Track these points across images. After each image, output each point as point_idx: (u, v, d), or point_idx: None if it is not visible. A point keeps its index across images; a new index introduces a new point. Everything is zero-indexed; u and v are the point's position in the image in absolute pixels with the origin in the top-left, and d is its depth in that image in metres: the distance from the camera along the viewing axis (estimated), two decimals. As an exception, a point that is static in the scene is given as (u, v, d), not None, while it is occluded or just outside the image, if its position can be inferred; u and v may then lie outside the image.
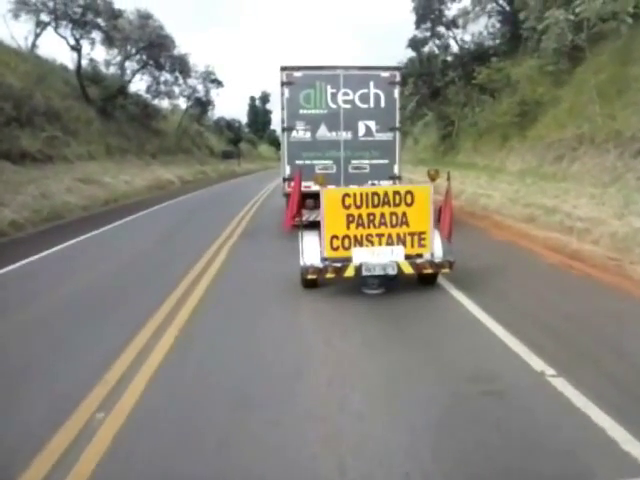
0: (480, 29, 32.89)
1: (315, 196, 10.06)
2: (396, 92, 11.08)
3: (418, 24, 35.43)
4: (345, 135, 11.08)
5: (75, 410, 3.99)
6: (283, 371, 4.68)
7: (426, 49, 36.00)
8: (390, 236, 6.77)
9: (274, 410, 3.98)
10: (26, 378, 4.74)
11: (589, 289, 7.23)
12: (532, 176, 17.78)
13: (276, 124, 74.90)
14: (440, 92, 34.50)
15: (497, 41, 31.58)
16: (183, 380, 4.55)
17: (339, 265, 6.66)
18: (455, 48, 34.43)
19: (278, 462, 3.34)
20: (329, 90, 10.96)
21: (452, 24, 34.21)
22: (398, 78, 11.12)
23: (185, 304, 6.70)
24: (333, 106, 10.99)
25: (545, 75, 21.79)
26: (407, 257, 6.75)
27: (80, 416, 3.92)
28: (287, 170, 11.18)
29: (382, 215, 6.73)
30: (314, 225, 8.16)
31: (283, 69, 11.00)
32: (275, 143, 74.38)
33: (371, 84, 10.96)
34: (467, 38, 33.70)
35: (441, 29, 35.16)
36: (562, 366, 4.55)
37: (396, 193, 6.77)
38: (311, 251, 6.95)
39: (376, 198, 6.71)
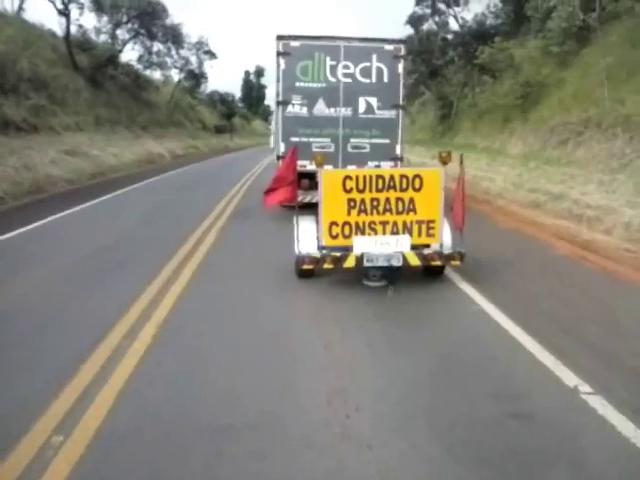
0: (482, 8, 32.01)
1: (311, 176, 9.46)
2: (400, 67, 10.31)
3: (418, 0, 34.50)
4: (344, 111, 10.35)
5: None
6: (273, 386, 4.02)
7: (425, 27, 35.10)
8: (395, 224, 6.13)
9: (262, 438, 3.34)
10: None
11: (609, 285, 6.63)
12: (535, 160, 17.20)
13: (270, 99, 73.64)
14: (439, 71, 33.74)
15: (499, 20, 30.69)
16: (153, 400, 3.82)
17: (338, 255, 6.02)
18: (455, 26, 33.51)
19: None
20: (328, 62, 10.21)
21: (453, 2, 33.32)
22: (403, 52, 10.35)
23: (165, 297, 6.03)
24: (332, 80, 10.25)
25: (549, 56, 21.13)
26: (413, 247, 6.13)
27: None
28: (282, 147, 10.46)
29: (387, 201, 6.08)
30: (309, 206, 7.57)
31: (279, 38, 10.23)
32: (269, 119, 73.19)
33: (374, 57, 10.21)
34: (468, 17, 32.80)
35: (442, 6, 34.27)
36: (598, 380, 3.97)
37: (403, 177, 6.10)
38: (307, 239, 6.31)
39: (381, 182, 6.05)
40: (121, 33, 36.52)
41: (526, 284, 6.62)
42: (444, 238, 6.32)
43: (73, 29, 31.11)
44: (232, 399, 3.81)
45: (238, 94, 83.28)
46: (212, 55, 45.99)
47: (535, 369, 4.26)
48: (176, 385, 4.04)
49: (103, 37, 35.26)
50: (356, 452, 3.16)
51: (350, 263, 6.00)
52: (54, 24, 39.63)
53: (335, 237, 6.11)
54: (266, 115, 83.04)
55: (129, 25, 36.42)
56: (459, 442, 3.27)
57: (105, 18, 34.19)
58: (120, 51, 36.52)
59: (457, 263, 6.27)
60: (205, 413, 3.62)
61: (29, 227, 10.15)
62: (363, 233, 6.10)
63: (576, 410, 3.65)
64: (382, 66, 10.27)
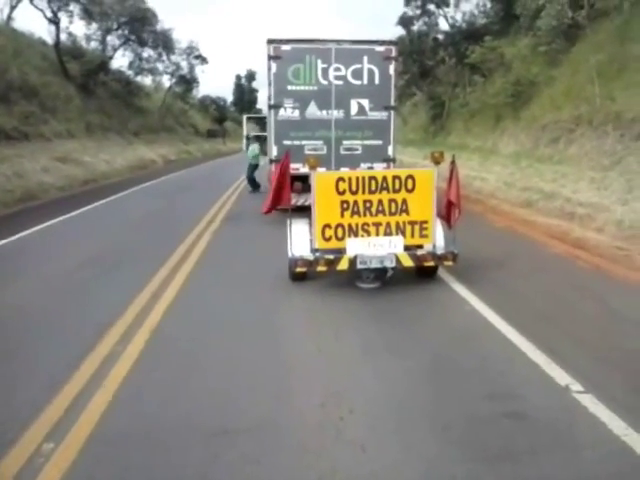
0: (471, 7, 32.09)
1: (304, 179, 9.46)
2: (392, 68, 10.34)
3: (408, 1, 34.52)
4: (336, 114, 10.37)
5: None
6: (267, 389, 4.01)
7: (416, 27, 35.10)
8: (388, 225, 6.14)
9: (256, 441, 3.34)
10: None
11: (601, 284, 6.64)
12: (527, 158, 17.24)
13: (262, 103, 73.46)
14: (430, 71, 33.77)
15: (489, 20, 30.77)
16: (145, 409, 3.80)
17: (331, 257, 6.02)
18: (445, 26, 33.58)
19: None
20: (320, 65, 10.22)
21: (442, 2, 33.34)
22: (394, 53, 10.38)
23: (159, 301, 6.03)
24: (324, 82, 10.26)
25: (540, 55, 21.17)
26: (406, 248, 6.14)
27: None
28: (274, 151, 10.47)
29: (380, 202, 6.09)
30: (302, 210, 7.57)
31: (270, 42, 10.23)
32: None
33: (365, 59, 10.24)
34: (458, 17, 32.87)
35: (431, 7, 34.27)
36: (589, 379, 3.98)
37: (396, 178, 6.11)
38: (300, 241, 6.31)
39: (373, 183, 6.06)
40: (111, 40, 36.44)
41: (518, 283, 6.65)
42: (437, 239, 6.33)
43: (63, 37, 31.07)
44: (226, 403, 3.81)
45: (230, 98, 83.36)
46: (203, 60, 45.90)
47: (528, 368, 4.27)
48: (170, 390, 4.03)
49: (93, 44, 35.21)
50: (350, 454, 3.16)
51: (343, 265, 6.01)
52: (44, 32, 39.50)
53: (328, 239, 6.11)
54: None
55: (119, 32, 36.31)
56: (453, 442, 3.28)
57: (95, 25, 34.08)
58: (111, 57, 36.45)
59: (450, 263, 6.28)
60: (199, 418, 3.61)
61: (21, 234, 10.12)
62: (356, 235, 6.10)
63: (568, 409, 3.67)
64: (373, 68, 10.29)
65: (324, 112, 10.36)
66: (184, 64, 44.54)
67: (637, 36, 15.91)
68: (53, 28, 29.64)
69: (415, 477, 2.99)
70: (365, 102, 10.36)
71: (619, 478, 3.00)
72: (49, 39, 30.52)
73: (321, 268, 6.06)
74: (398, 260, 6.03)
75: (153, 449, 3.27)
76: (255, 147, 17.13)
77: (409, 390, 3.96)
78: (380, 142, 10.52)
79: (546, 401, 3.76)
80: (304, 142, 10.38)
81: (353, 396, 3.85)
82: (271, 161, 10.56)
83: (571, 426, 3.46)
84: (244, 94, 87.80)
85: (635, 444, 3.21)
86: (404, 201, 6.13)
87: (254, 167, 16.62)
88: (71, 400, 3.82)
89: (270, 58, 10.20)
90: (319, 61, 10.20)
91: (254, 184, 16.40)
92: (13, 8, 27.66)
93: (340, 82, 10.26)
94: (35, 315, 5.79)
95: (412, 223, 6.18)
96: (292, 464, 3.10)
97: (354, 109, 10.38)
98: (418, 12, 34.48)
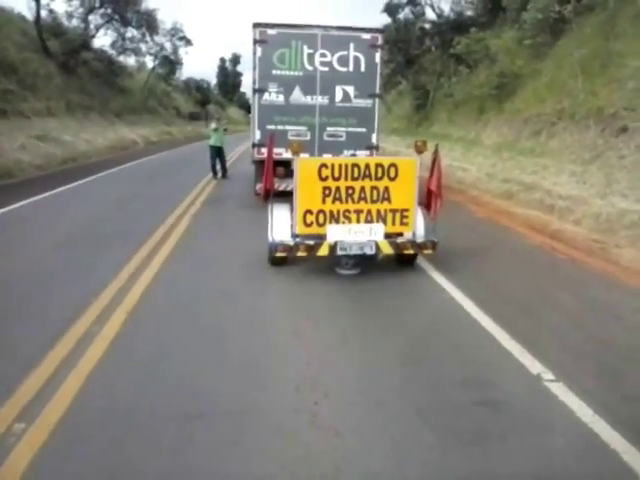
0: (458, -2, 32.03)
1: (286, 164, 9.43)
2: (377, 56, 10.32)
3: (394, -11, 34.38)
4: (321, 100, 10.34)
5: None
6: (243, 374, 4.01)
7: (402, 16, 35.00)
8: (370, 212, 6.17)
9: (230, 425, 3.34)
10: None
11: (576, 275, 6.74)
12: (509, 150, 17.35)
13: (246, 87, 73.06)
14: (416, 60, 33.74)
15: (476, 11, 30.78)
16: (120, 391, 3.76)
17: (312, 243, 6.05)
18: (432, 16, 33.53)
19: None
20: (305, 50, 10.17)
21: (428, -8, 33.25)
22: (380, 41, 10.35)
23: (136, 283, 6.00)
24: (309, 68, 10.22)
25: (525, 47, 21.23)
26: (387, 236, 6.18)
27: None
28: (257, 135, 10.43)
29: (362, 189, 6.11)
30: (284, 194, 7.56)
31: (256, 26, 10.15)
32: (245, 106, 72.44)
33: (351, 46, 10.20)
34: (445, 7, 32.86)
35: (417, -4, 34.16)
36: (560, 368, 4.07)
37: (378, 166, 6.13)
38: (281, 226, 6.31)
39: (356, 170, 6.07)
40: (94, 18, 35.75)
41: (496, 273, 6.72)
42: (417, 227, 6.38)
43: (43, 13, 30.30)
44: (201, 386, 3.81)
45: (214, 81, 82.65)
46: (187, 42, 45.34)
47: (502, 357, 4.34)
48: (145, 372, 4.02)
49: (75, 22, 34.45)
50: (324, 438, 3.19)
51: (324, 251, 6.03)
52: (24, 8, 38.44)
53: (309, 225, 6.12)
54: (242, 102, 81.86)
55: (102, 10, 35.67)
56: (426, 427, 3.32)
57: (76, 2, 33.38)
58: (93, 36, 35.76)
59: (429, 252, 6.34)
60: (174, 400, 3.61)
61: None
62: (337, 221, 6.12)
63: (539, 396, 3.74)
64: (359, 55, 10.26)
65: (309, 98, 10.33)
66: (168, 45, 44.03)
67: (621, 32, 16.02)
68: (33, 4, 29.00)
69: (388, 461, 3.02)
70: (350, 89, 10.34)
71: (585, 463, 3.07)
72: (29, 15, 29.88)
73: (301, 253, 6.08)
74: (378, 247, 6.08)
75: (127, 431, 3.26)
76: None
77: (384, 376, 4.00)
78: (364, 130, 10.52)
79: (518, 389, 3.83)
80: (288, 127, 10.35)
81: (328, 381, 3.88)
82: (254, 145, 10.51)
83: (541, 413, 3.53)
84: (228, 77, 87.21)
85: (601, 431, 3.30)
86: (386, 189, 6.15)
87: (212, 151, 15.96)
88: (44, 381, 3.78)
89: (256, 42, 10.12)
90: (305, 46, 10.14)
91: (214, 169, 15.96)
92: (-8, -18, 27.03)
93: (325, 68, 10.22)
94: (8, 296, 5.69)
95: (393, 211, 6.21)
96: (266, 447, 3.12)
97: (339, 96, 10.36)
98: (404, 0, 34.41)
